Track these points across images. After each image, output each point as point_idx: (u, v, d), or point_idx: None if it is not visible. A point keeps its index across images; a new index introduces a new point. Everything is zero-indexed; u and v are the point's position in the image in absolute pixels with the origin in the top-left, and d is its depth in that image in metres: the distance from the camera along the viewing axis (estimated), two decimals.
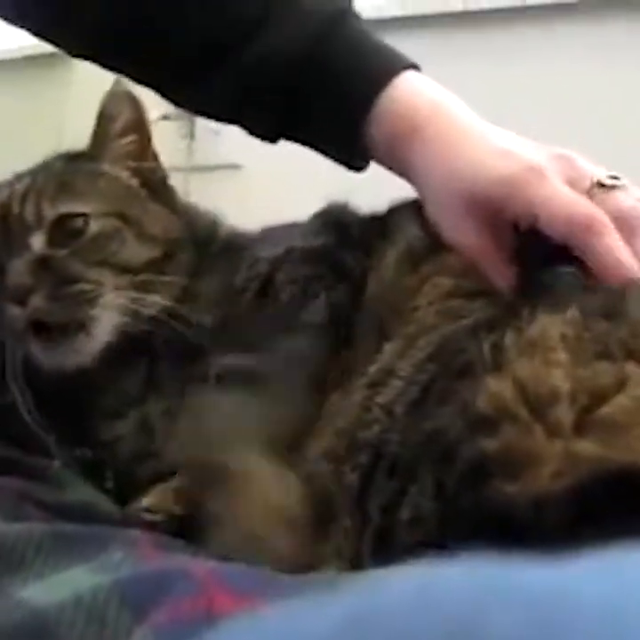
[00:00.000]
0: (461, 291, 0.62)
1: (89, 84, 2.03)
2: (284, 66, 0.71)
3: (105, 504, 0.64)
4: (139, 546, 0.50)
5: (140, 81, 0.78)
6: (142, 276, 0.70)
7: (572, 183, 0.62)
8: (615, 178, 0.62)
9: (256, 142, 1.67)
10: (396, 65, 0.70)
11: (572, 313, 0.52)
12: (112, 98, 0.77)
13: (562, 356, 0.49)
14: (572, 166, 0.63)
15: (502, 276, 0.61)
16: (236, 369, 0.65)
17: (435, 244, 0.66)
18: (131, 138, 0.78)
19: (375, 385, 0.56)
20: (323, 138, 0.75)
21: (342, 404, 0.58)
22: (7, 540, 0.51)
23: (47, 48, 2.21)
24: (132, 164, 0.77)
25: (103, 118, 0.77)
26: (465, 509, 0.47)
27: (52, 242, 0.70)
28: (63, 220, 0.71)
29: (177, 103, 0.81)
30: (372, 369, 0.58)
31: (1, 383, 0.68)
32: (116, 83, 0.78)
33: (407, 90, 0.69)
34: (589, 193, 0.61)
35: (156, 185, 0.78)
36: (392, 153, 0.69)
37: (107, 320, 0.68)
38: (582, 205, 0.59)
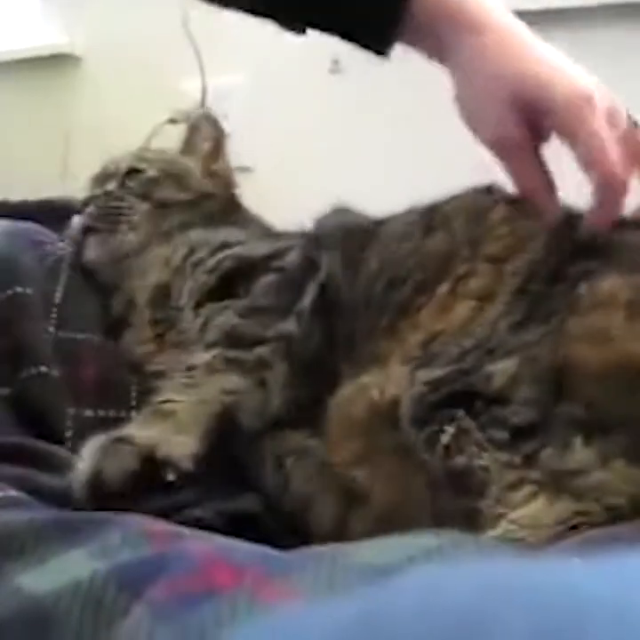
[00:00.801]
0: (519, 212, 0.70)
1: (95, 86, 2.04)
2: None
3: None
4: (137, 529, 0.51)
5: None
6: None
7: (611, 119, 0.67)
8: None
9: (266, 145, 1.66)
10: None
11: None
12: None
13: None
14: (613, 103, 0.68)
15: (536, 171, 0.68)
16: None
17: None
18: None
19: (483, 299, 0.66)
20: (362, 21, 0.73)
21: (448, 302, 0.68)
22: (7, 528, 0.52)
23: (54, 49, 2.21)
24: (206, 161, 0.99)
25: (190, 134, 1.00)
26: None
27: (121, 186, 0.93)
28: (131, 171, 0.94)
29: None
30: (474, 285, 0.67)
31: (18, 363, 0.73)
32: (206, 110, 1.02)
33: None
34: (626, 132, 0.68)
35: (214, 174, 0.99)
36: (434, 31, 0.70)
37: None
38: (612, 152, 0.65)
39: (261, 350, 0.71)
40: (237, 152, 2.03)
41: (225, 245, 0.83)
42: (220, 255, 0.81)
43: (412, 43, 0.72)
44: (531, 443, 0.57)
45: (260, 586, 0.39)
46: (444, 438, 0.59)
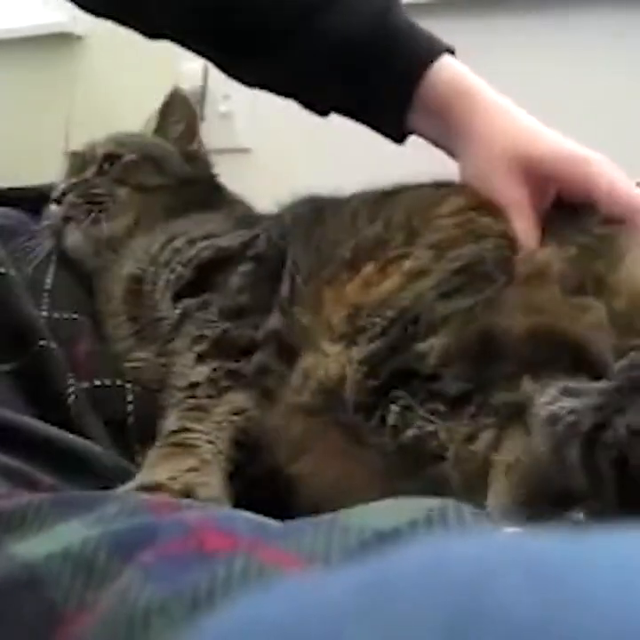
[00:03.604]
0: (472, 205, 0.72)
1: (97, 65, 2.04)
2: (346, 41, 0.78)
3: (105, 457, 0.69)
4: (136, 501, 0.51)
5: (200, 54, 0.87)
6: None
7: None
8: None
9: (266, 126, 1.67)
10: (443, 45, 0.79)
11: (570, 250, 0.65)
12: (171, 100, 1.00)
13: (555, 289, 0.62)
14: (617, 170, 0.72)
15: (529, 232, 0.70)
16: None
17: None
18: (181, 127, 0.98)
19: (413, 276, 0.67)
20: (377, 102, 0.81)
21: (378, 278, 0.68)
22: (8, 505, 0.52)
23: (55, 28, 2.20)
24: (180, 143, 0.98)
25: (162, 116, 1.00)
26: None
27: (99, 172, 0.92)
28: (109, 157, 0.92)
29: (234, 76, 0.88)
30: (408, 265, 0.68)
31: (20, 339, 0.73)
32: (176, 89, 1.00)
33: (460, 65, 0.79)
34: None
35: (191, 155, 0.97)
36: (446, 108, 0.77)
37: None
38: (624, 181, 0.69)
39: (259, 357, 0.72)
40: (237, 133, 2.04)
41: (204, 235, 0.82)
42: (200, 245, 0.81)
43: (426, 122, 0.80)
44: (471, 406, 0.58)
45: (255, 548, 0.39)
46: (391, 419, 0.60)
